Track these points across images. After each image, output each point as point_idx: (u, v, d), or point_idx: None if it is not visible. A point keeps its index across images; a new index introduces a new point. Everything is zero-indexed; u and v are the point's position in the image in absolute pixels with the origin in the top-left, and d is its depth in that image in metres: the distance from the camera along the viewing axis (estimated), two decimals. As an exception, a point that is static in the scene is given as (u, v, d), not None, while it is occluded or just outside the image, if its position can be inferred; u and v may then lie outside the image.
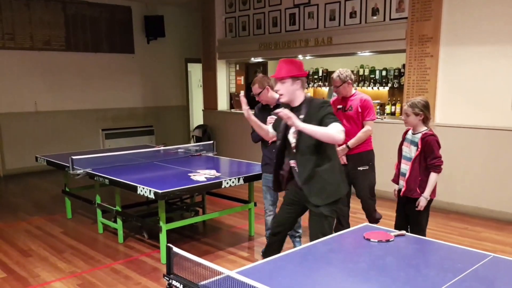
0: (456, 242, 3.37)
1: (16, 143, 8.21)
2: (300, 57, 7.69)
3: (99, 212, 5.07)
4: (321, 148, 3.04)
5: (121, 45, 9.23)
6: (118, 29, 9.18)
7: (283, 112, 2.84)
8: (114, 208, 4.76)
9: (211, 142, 5.85)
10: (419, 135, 3.56)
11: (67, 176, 5.53)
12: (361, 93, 4.47)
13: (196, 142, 8.83)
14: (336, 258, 2.49)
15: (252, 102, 9.03)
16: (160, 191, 3.81)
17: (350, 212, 4.65)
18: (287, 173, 3.27)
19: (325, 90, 8.77)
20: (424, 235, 3.62)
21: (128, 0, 9.20)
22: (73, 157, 4.70)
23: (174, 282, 2.20)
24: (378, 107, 7.45)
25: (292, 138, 3.17)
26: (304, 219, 5.45)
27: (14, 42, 8.05)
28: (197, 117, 11.41)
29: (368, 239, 2.66)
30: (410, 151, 3.62)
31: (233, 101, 8.85)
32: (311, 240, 3.02)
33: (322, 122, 2.94)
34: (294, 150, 3.14)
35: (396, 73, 7.63)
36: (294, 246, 4.23)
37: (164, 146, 6.17)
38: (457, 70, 5.68)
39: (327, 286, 2.12)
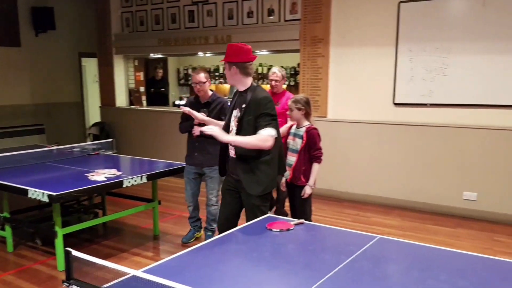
0: (349, 227, 3.66)
1: None
2: (201, 54, 7.75)
3: (-16, 219, 4.68)
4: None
5: (4, 37, 8.52)
6: (1, 21, 8.46)
7: (209, 130, 3.05)
8: (1, 215, 4.43)
9: (111, 140, 5.67)
10: (303, 129, 3.89)
11: None
12: (289, 92, 4.97)
13: (93, 140, 8.48)
14: (241, 249, 2.59)
15: (155, 96, 8.85)
16: (54, 194, 3.63)
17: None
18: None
19: (226, 86, 8.91)
20: (310, 220, 3.90)
21: (12, -11, 8.52)
22: (-46, 160, 4.30)
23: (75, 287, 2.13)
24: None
25: (233, 125, 3.20)
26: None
27: None
28: (93, 114, 10.92)
29: (270, 229, 2.80)
30: (296, 144, 3.92)
31: (132, 97, 8.63)
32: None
33: (257, 121, 3.02)
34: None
35: (292, 72, 8.01)
36: (205, 239, 4.32)
37: (57, 146, 5.85)
38: (346, 70, 6.12)
39: (234, 276, 2.21)
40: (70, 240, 4.52)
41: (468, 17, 5.17)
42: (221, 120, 4.23)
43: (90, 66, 10.71)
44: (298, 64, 7.54)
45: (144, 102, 8.82)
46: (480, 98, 5.21)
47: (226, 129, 3.27)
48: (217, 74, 9.22)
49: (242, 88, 3.17)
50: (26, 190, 3.80)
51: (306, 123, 3.92)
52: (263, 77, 8.70)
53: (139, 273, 2.07)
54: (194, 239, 4.74)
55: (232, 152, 3.23)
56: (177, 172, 4.70)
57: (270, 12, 6.74)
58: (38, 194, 3.72)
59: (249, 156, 3.12)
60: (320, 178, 4.79)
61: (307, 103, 3.90)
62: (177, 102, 3.98)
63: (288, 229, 2.82)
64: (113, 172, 4.36)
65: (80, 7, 9.54)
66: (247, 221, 3.20)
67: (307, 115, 3.91)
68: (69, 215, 5.15)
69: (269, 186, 3.20)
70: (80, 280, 2.20)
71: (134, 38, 8.26)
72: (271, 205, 5.06)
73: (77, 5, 9.51)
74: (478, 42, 5.13)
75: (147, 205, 4.92)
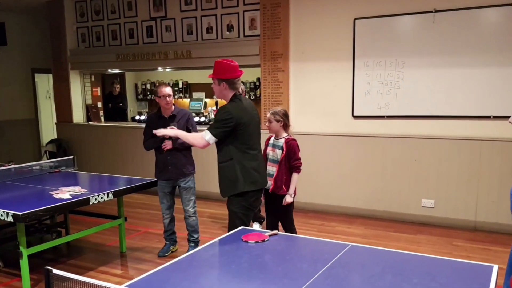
0: (316, 237, 3.76)
1: None
2: (160, 69, 7.75)
3: None
4: (220, 148, 3.42)
5: (-47, 53, 8.21)
6: (-51, 35, 8.15)
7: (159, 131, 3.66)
8: (-39, 236, 4.27)
9: (71, 157, 5.57)
10: (282, 140, 4.07)
11: None
12: None
13: (50, 158, 8.26)
14: (219, 261, 2.65)
15: (113, 111, 8.76)
16: (20, 213, 3.54)
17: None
18: None
19: (186, 101, 8.93)
20: (294, 227, 4.20)
21: (-40, 3, 8.23)
22: None
23: (56, 306, 2.12)
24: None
25: None
26: (209, 226, 5.52)
27: None
28: (46, 131, 10.63)
29: (246, 241, 2.87)
30: (276, 154, 4.08)
31: (90, 113, 8.48)
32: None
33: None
34: None
35: (252, 86, 8.14)
36: (188, 251, 4.36)
37: (14, 164, 5.68)
38: (306, 84, 6.31)
39: (214, 289, 2.27)
40: (34, 261, 4.40)
41: (420, 33, 5.48)
42: (189, 131, 4.33)
43: (42, 82, 10.47)
44: (258, 79, 7.72)
45: (102, 118, 8.69)
46: (434, 109, 5.51)
47: None
48: (176, 88, 9.24)
49: (226, 101, 3.43)
50: (-13, 210, 3.69)
51: (284, 135, 4.10)
52: (222, 91, 8.79)
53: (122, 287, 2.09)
54: (170, 252, 4.75)
55: None
56: (143, 188, 4.69)
57: (229, 28, 6.86)
58: (2, 214, 3.62)
59: (219, 161, 3.47)
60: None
61: (285, 115, 4.09)
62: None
63: (263, 240, 2.90)
64: (77, 189, 4.29)
65: (32, 22, 9.33)
66: (228, 228, 3.36)
67: (285, 127, 4.09)
68: (30, 235, 5.00)
69: (231, 188, 3.42)
70: (61, 299, 2.18)
71: (91, 53, 8.15)
72: (259, 220, 5.28)
73: (29, 20, 9.30)
74: (430, 56, 5.45)
75: (113, 222, 4.86)
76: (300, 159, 4.08)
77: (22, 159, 8.34)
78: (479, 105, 5.30)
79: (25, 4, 8.32)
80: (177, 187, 4.63)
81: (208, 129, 3.34)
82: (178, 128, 4.21)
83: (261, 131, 3.75)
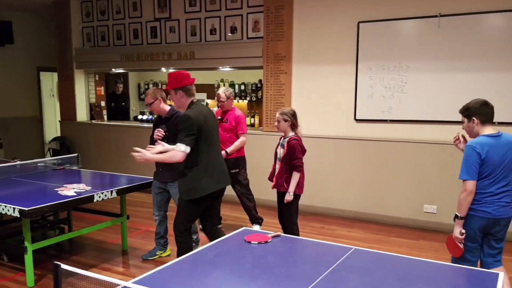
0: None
1: None
2: (163, 69, 7.80)
3: None
4: (189, 154, 3.52)
5: (-40, 50, 8.28)
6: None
7: (137, 155, 3.59)
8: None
9: (75, 155, 5.62)
10: (287, 139, 4.18)
11: None
12: (238, 109, 5.29)
13: (54, 155, 8.32)
14: (223, 261, 2.69)
15: (116, 110, 8.86)
16: (26, 209, 3.61)
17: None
18: None
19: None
20: (296, 226, 4.29)
21: (-33, 1, 8.31)
22: None
23: (64, 300, 2.17)
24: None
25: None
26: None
27: None
28: (50, 129, 10.69)
29: (249, 242, 2.92)
30: (280, 153, 4.23)
31: (94, 111, 8.54)
32: (174, 227, 3.74)
33: (177, 136, 3.53)
34: None
35: (253, 88, 8.18)
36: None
37: (19, 160, 5.74)
38: (308, 86, 6.36)
39: (218, 287, 2.31)
40: (37, 257, 4.46)
41: (425, 37, 5.51)
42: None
43: (47, 81, 10.52)
44: (260, 80, 7.76)
45: (105, 117, 8.76)
46: (437, 114, 5.52)
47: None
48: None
49: (185, 109, 3.64)
50: (-6, 205, 3.76)
51: (291, 134, 4.23)
52: (225, 92, 8.85)
53: (130, 284, 2.14)
54: (157, 257, 4.65)
55: None
56: (146, 187, 4.74)
57: (233, 29, 6.92)
58: (8, 209, 3.68)
59: (180, 166, 3.66)
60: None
61: (293, 115, 4.25)
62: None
63: (266, 242, 2.95)
64: (82, 187, 4.35)
65: (39, 22, 9.41)
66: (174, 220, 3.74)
67: (293, 126, 4.25)
68: (34, 230, 5.03)
69: (197, 192, 3.58)
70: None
71: (95, 53, 8.22)
72: (258, 221, 5.34)
73: (36, 20, 9.38)
74: (434, 61, 5.47)
75: (115, 220, 4.91)
76: (300, 158, 4.16)
77: (26, 155, 8.41)
78: (481, 110, 5.33)
79: (32, 3, 8.41)
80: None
81: (179, 141, 3.47)
82: (171, 129, 4.25)
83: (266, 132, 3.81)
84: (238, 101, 8.26)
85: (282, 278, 2.41)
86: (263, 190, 5.75)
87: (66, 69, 8.44)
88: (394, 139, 5.81)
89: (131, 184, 4.65)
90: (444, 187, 5.55)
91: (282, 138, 4.31)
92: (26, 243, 3.94)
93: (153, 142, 4.26)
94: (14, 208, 3.65)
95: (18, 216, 3.65)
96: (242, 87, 8.18)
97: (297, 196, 4.25)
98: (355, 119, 6.08)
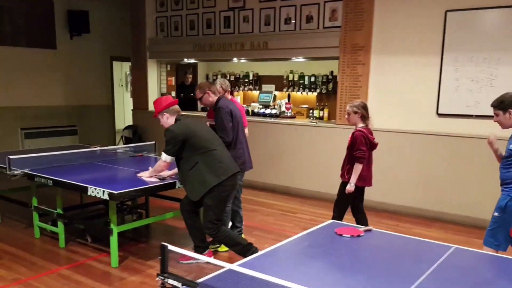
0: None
1: None
2: (235, 60, 7.80)
3: (35, 215, 4.76)
4: (184, 160, 3.92)
5: (42, 40, 8.67)
6: (38, 23, 8.62)
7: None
8: (55, 211, 4.50)
9: (153, 142, 5.72)
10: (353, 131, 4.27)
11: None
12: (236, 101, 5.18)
13: (126, 142, 8.58)
14: (318, 252, 2.62)
15: (185, 101, 8.92)
16: (115, 192, 3.70)
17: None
18: None
19: (255, 93, 8.96)
20: (342, 213, 4.34)
21: (49, -8, 8.69)
22: (10, 157, 4.37)
23: (170, 281, 2.17)
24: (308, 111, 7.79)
25: None
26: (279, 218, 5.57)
27: None
28: (119, 117, 11.03)
29: (340, 235, 2.83)
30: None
31: (164, 101, 8.71)
32: (203, 226, 4.02)
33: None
34: None
35: (324, 80, 8.02)
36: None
37: (100, 147, 5.93)
38: (387, 78, 6.13)
39: (320, 278, 2.24)
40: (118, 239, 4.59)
41: (519, 27, 5.16)
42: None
43: (116, 70, 10.85)
44: (331, 72, 7.60)
45: (175, 107, 8.91)
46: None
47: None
48: (246, 80, 9.30)
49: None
50: (86, 187, 3.88)
51: (360, 126, 4.22)
52: (293, 84, 8.75)
53: (235, 266, 2.11)
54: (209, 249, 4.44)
55: None
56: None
57: (309, 19, 6.79)
58: (98, 191, 3.78)
59: (180, 171, 4.03)
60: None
61: (363, 107, 4.25)
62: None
63: (358, 235, 2.85)
64: (163, 173, 4.39)
65: (114, 11, 9.69)
66: (203, 219, 3.98)
67: (363, 118, 4.23)
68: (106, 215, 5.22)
69: (202, 189, 3.85)
70: (174, 274, 2.23)
71: (168, 43, 8.35)
72: None
73: (111, 9, 9.67)
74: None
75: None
76: (362, 150, 4.12)
77: (99, 142, 8.71)
78: None
79: (108, -7, 8.68)
80: None
81: (163, 151, 3.94)
82: (215, 120, 4.48)
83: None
84: (307, 93, 8.14)
85: (383, 273, 2.32)
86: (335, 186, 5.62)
87: (139, 58, 8.64)
88: (480, 136, 5.46)
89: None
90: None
91: None
92: (112, 226, 4.04)
93: None
94: (103, 191, 3.74)
95: (108, 198, 3.73)
96: (312, 79, 8.05)
97: (358, 188, 4.24)
98: (437, 113, 5.79)
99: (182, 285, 2.13)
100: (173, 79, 9.00)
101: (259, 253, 2.56)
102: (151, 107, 8.69)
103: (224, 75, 9.62)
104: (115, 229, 4.06)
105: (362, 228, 2.98)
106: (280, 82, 8.84)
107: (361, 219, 4.41)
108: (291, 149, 6.93)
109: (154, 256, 4.40)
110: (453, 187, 5.70)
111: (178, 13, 8.26)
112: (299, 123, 6.99)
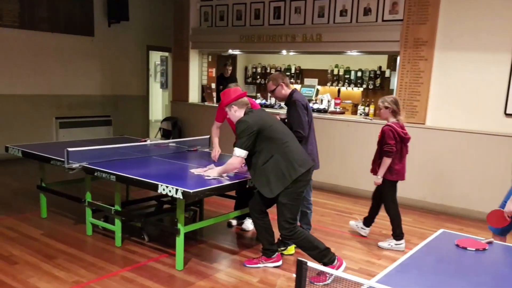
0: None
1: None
2: (284, 52, 7.48)
3: (88, 211, 4.51)
4: (258, 154, 3.64)
5: (80, 26, 8.43)
6: (77, 9, 8.37)
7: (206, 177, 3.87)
8: (113, 208, 4.24)
9: (207, 137, 5.43)
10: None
11: (43, 170, 4.92)
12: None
13: (164, 135, 8.33)
14: (451, 269, 2.31)
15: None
16: (191, 191, 3.42)
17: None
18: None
19: (297, 87, 8.66)
20: (388, 207, 4.49)
21: (89, -22, 8.42)
22: (69, 149, 4.11)
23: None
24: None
25: None
26: (336, 219, 5.27)
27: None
28: (152, 108, 10.80)
29: (464, 248, 2.53)
30: None
31: (205, 93, 8.43)
32: (278, 227, 3.69)
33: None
34: None
35: (371, 75, 7.69)
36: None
37: (147, 139, 5.67)
38: (451, 75, 5.79)
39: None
40: (173, 239, 4.33)
41: None
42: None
43: (150, 60, 10.59)
44: (380, 67, 7.28)
45: (215, 99, 8.62)
46: None
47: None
48: (288, 74, 8.98)
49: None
50: (156, 185, 3.61)
51: (391, 121, 4.33)
52: (338, 79, 8.43)
53: (373, 283, 1.83)
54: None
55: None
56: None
57: (367, 11, 6.45)
58: (170, 190, 3.51)
59: (251, 165, 3.76)
60: (413, 188, 5.50)
61: (394, 102, 4.32)
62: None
63: (484, 249, 2.54)
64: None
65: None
66: (277, 218, 3.69)
67: (394, 113, 4.32)
68: (164, 212, 4.99)
69: (280, 184, 3.59)
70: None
71: (213, 33, 8.05)
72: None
73: (151, -3, 9.39)
74: None
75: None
76: (389, 144, 4.22)
77: (133, 133, 8.50)
78: None
79: (149, -19, 8.39)
80: None
81: (236, 146, 3.64)
82: (288, 113, 4.26)
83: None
84: (352, 89, 7.83)
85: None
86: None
87: (181, 49, 8.36)
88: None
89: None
90: None
91: None
92: (179, 226, 3.77)
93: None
94: (176, 189, 3.46)
95: (181, 197, 3.46)
96: (359, 74, 7.73)
97: (389, 182, 4.38)
98: (505, 113, 5.46)
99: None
100: (213, 70, 8.71)
101: (393, 265, 2.26)
102: (192, 99, 8.42)
103: (264, 68, 9.32)
104: (182, 229, 3.79)
105: (484, 240, 2.68)
106: (324, 76, 8.53)
107: (374, 210, 4.71)
108: (341, 145, 6.62)
109: (217, 258, 4.14)
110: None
111: (224, 3, 7.97)
112: (351, 119, 6.67)
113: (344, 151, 6.59)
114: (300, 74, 8.82)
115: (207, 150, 5.34)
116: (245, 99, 3.83)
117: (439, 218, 5.68)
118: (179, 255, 3.84)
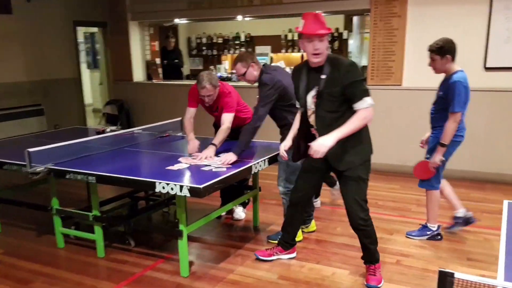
0: None
1: None
2: (240, 18, 6.86)
3: (57, 220, 3.76)
4: (340, 114, 2.84)
5: (-7, 2, 7.18)
6: (-13, -18, 7.11)
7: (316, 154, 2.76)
8: (91, 214, 3.54)
9: (179, 119, 4.76)
10: None
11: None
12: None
13: (109, 120, 7.46)
14: None
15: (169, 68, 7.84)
16: (201, 186, 2.84)
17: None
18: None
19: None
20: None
21: None
22: (30, 150, 3.32)
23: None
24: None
25: (311, 103, 2.94)
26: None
27: None
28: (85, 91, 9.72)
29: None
30: None
31: (150, 70, 7.62)
32: (348, 206, 2.98)
33: (346, 91, 2.75)
34: (313, 117, 2.95)
35: (330, 38, 7.35)
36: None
37: (103, 130, 4.89)
38: (427, 31, 5.53)
39: None
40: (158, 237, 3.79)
41: None
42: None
43: (79, 37, 9.44)
44: (337, 29, 6.97)
45: (161, 75, 7.84)
46: None
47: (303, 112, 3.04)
48: (237, 42, 8.39)
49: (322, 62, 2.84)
50: (153, 183, 2.98)
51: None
52: (293, 44, 8.02)
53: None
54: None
55: (313, 131, 3.00)
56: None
57: (329, -33, 6.01)
58: (172, 187, 2.90)
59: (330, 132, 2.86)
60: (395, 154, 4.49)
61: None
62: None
63: None
64: (226, 158, 3.51)
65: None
66: (347, 196, 3.00)
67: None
68: (151, 209, 4.35)
69: (360, 155, 2.96)
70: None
71: (154, 1, 7.18)
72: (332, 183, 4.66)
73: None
74: None
75: (248, 193, 4.18)
76: None
77: (69, 122, 7.55)
78: None
79: None
80: None
81: (361, 94, 2.75)
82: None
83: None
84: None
85: None
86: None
87: (119, 21, 7.42)
88: (536, 90, 5.10)
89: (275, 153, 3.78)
90: None
91: None
92: (181, 227, 3.19)
93: None
94: (181, 186, 2.87)
95: (188, 195, 2.87)
96: (315, 38, 7.37)
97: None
98: (484, 67, 5.33)
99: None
100: (156, 44, 7.88)
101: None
102: (136, 78, 7.58)
103: (210, 38, 8.65)
104: (185, 231, 3.21)
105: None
106: (277, 43, 8.09)
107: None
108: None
109: (221, 257, 3.62)
110: (504, 145, 5.33)
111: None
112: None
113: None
114: (251, 42, 8.28)
115: (180, 134, 4.70)
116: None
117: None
118: (183, 260, 3.28)
